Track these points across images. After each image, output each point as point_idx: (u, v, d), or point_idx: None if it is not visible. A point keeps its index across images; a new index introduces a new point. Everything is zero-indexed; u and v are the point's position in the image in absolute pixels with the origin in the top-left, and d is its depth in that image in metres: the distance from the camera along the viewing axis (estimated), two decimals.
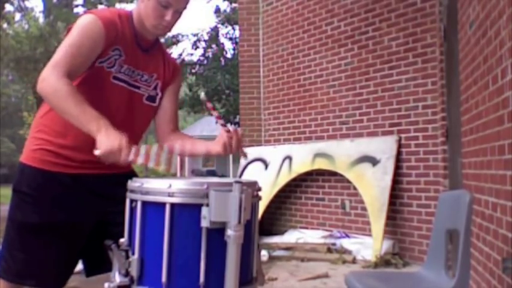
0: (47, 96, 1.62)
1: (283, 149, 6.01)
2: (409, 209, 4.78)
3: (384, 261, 4.47)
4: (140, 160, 1.50)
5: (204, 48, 16.28)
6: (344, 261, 4.58)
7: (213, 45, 16.10)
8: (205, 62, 16.05)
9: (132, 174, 1.84)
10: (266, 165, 6.03)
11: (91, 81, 1.74)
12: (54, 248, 1.79)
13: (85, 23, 1.70)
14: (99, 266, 1.82)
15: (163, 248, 1.28)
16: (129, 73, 1.81)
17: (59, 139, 1.78)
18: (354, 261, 4.65)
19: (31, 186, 1.80)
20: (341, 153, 5.30)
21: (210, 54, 16.11)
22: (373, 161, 4.94)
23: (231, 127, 1.65)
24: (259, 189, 1.43)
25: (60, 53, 1.66)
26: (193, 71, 16.00)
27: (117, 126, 1.59)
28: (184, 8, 1.77)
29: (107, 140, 1.48)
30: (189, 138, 1.93)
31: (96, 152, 1.49)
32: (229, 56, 15.89)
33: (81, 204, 1.81)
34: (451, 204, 2.27)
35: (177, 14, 1.77)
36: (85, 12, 1.80)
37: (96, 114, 1.55)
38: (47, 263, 1.79)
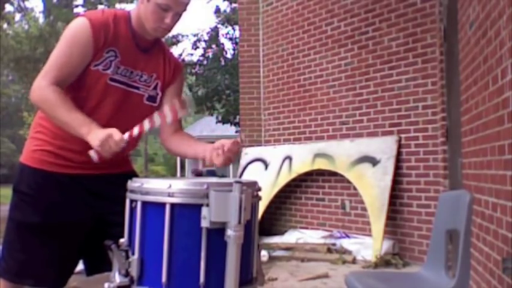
0: (39, 105, 1.71)
1: (283, 149, 6.00)
2: (409, 209, 4.78)
3: (384, 262, 4.47)
4: (136, 131, 1.57)
5: (204, 48, 16.26)
6: (344, 262, 4.58)
7: (213, 46, 16.08)
8: (205, 62, 16.03)
9: (132, 174, 1.84)
10: (266, 165, 6.03)
11: (88, 84, 1.75)
12: (54, 248, 1.79)
13: (74, 29, 1.73)
14: (99, 265, 1.82)
15: (163, 248, 1.28)
16: (127, 74, 1.80)
17: (58, 140, 1.78)
18: (354, 261, 4.65)
19: (31, 186, 1.81)
20: (341, 153, 5.30)
21: (210, 54, 16.09)
22: (373, 161, 4.94)
23: (226, 142, 1.65)
24: (259, 189, 1.43)
25: (50, 62, 1.72)
26: (193, 71, 15.98)
27: (117, 127, 1.60)
28: (184, 10, 1.77)
29: (98, 134, 1.55)
30: (190, 139, 1.92)
31: (91, 153, 1.56)
32: (229, 56, 15.87)
33: (80, 204, 1.81)
34: (451, 204, 2.27)
35: (177, 17, 1.77)
36: (79, 15, 1.81)
37: (86, 119, 1.63)
38: (46, 263, 1.79)
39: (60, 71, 1.69)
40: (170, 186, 1.30)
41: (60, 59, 1.71)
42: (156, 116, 1.58)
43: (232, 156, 1.66)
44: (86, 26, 1.70)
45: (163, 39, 1.97)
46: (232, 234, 1.24)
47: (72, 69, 1.71)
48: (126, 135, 1.56)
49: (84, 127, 1.60)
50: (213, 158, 1.68)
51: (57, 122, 1.68)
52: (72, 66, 1.71)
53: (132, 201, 1.37)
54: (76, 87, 1.75)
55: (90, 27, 1.70)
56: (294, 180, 5.79)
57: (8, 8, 20.25)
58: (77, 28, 1.72)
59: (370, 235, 4.79)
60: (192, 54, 17.07)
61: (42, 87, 1.67)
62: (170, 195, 1.29)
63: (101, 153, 1.54)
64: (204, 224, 1.26)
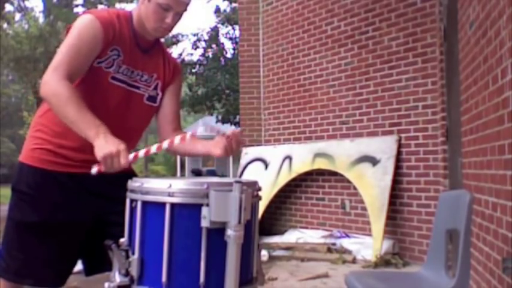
0: (48, 99, 1.63)
1: (283, 149, 6.00)
2: (409, 209, 4.78)
3: (384, 261, 4.47)
4: (141, 154, 1.50)
5: (204, 48, 16.28)
6: (344, 261, 4.58)
7: (213, 45, 16.10)
8: (205, 62, 16.05)
9: (131, 174, 1.83)
10: (266, 165, 6.03)
11: (89, 81, 1.74)
12: (53, 248, 1.79)
13: (83, 24, 1.71)
14: (98, 265, 1.82)
15: (164, 248, 1.28)
16: (128, 73, 1.80)
17: (58, 139, 1.78)
18: (354, 261, 4.65)
19: (30, 185, 1.81)
20: (341, 153, 5.30)
21: (210, 54, 16.11)
22: (373, 161, 4.94)
23: (229, 130, 1.65)
24: (259, 189, 1.43)
25: (60, 56, 1.67)
26: (193, 70, 16.00)
27: (116, 126, 1.59)
28: (185, 10, 1.78)
29: (105, 145, 1.47)
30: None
31: (93, 170, 1.49)
32: (229, 56, 15.89)
33: (79, 203, 1.81)
34: (451, 204, 2.27)
35: (178, 16, 1.77)
36: (84, 13, 1.80)
37: (96, 120, 1.55)
38: (45, 262, 1.79)
39: (69, 65, 1.65)
40: (170, 186, 1.30)
41: (70, 52, 1.67)
42: (165, 142, 1.54)
43: (235, 145, 1.63)
44: (94, 20, 1.70)
45: (162, 40, 1.97)
46: (232, 234, 1.24)
47: (81, 62, 1.68)
48: (131, 157, 1.48)
49: (92, 129, 1.52)
50: (212, 150, 1.67)
51: (64, 119, 1.61)
52: (82, 60, 1.68)
53: (132, 200, 1.37)
54: (78, 84, 1.74)
55: (99, 22, 1.70)
56: (294, 180, 5.79)
57: (8, 7, 20.28)
58: (86, 23, 1.70)
59: (370, 235, 4.79)
60: (192, 54, 17.11)
61: (54, 81, 1.61)
62: (170, 195, 1.29)
63: (102, 165, 1.48)
64: (204, 223, 1.26)
